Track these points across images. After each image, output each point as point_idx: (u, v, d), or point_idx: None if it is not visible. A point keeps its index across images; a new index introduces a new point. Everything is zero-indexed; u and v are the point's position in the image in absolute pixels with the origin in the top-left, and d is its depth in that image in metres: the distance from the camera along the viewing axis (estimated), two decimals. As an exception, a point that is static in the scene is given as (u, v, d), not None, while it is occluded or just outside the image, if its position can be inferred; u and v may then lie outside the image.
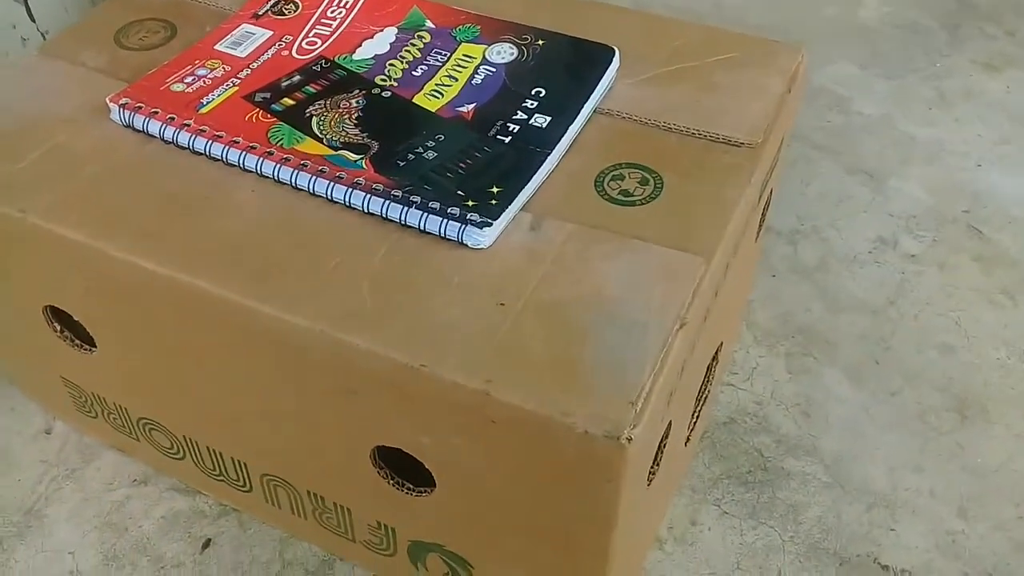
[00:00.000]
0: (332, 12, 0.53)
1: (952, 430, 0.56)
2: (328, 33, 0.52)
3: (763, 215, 0.54)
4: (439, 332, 0.37)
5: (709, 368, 0.52)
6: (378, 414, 0.40)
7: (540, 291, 0.38)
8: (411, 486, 0.42)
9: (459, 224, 0.40)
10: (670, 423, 0.42)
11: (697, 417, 0.52)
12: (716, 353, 0.52)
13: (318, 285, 0.39)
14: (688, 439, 0.51)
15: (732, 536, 0.51)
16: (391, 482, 0.42)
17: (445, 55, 0.50)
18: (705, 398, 0.53)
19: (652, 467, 0.41)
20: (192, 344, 0.43)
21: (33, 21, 0.64)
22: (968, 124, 0.78)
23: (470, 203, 0.41)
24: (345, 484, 0.45)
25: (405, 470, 0.42)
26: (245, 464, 0.48)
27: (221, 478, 0.50)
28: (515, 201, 0.42)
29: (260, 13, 0.53)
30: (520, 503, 0.39)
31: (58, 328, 0.48)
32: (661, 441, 0.41)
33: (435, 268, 0.39)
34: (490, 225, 0.40)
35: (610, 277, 0.39)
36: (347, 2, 0.53)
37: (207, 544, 0.50)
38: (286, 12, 0.53)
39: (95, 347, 0.47)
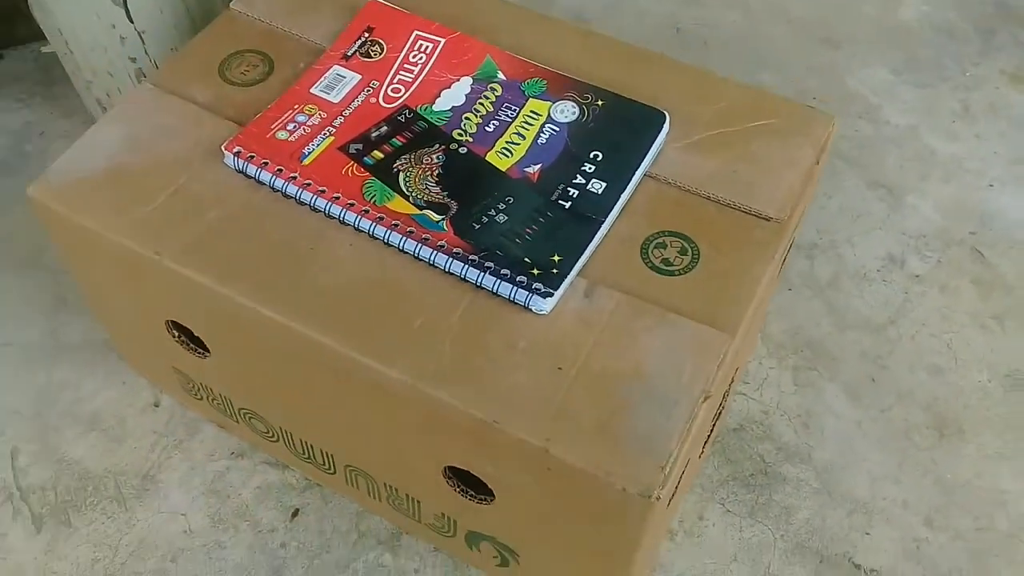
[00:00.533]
0: (413, 57, 0.59)
1: (930, 447, 0.65)
2: (410, 80, 0.58)
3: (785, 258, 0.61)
4: (508, 392, 0.46)
5: (726, 392, 0.60)
6: (453, 447, 0.49)
7: (591, 359, 0.47)
8: (473, 494, 0.52)
9: (527, 292, 0.48)
10: (689, 459, 0.51)
11: (713, 429, 0.61)
12: (733, 375, 0.61)
13: (407, 340, 0.47)
14: (703, 452, 0.60)
15: (732, 532, 0.61)
16: (457, 490, 0.52)
17: (515, 111, 0.56)
18: (720, 414, 0.62)
19: (671, 496, 0.50)
20: (295, 372, 0.52)
21: (131, 22, 0.70)
22: (987, 140, 0.84)
23: (535, 272, 0.49)
24: (418, 484, 0.55)
25: (471, 476, 0.52)
26: (332, 455, 0.58)
27: (309, 461, 0.60)
28: (573, 270, 0.50)
29: (349, 54, 0.59)
30: (564, 524, 0.49)
31: (177, 335, 0.57)
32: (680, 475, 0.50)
33: (504, 330, 0.48)
34: (551, 295, 0.48)
35: (649, 351, 0.47)
36: (427, 47, 0.60)
37: (295, 513, 0.61)
38: (372, 55, 0.60)
39: (209, 354, 0.56)
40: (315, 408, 0.55)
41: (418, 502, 0.56)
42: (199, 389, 0.62)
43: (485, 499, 0.51)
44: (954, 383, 0.68)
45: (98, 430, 0.64)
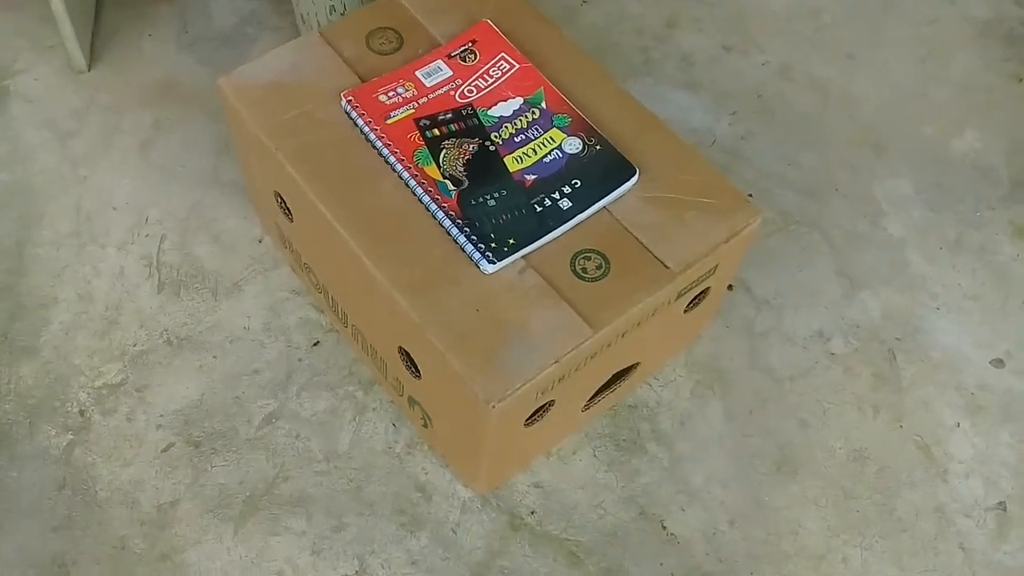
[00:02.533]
0: (492, 72, 0.84)
1: (765, 473, 0.87)
2: (484, 86, 0.83)
3: (696, 301, 0.83)
4: (440, 312, 0.72)
5: (621, 374, 0.84)
6: (403, 333, 0.76)
7: (500, 311, 0.72)
8: (413, 369, 0.79)
9: (480, 255, 0.74)
10: (551, 401, 0.76)
11: (603, 397, 0.85)
12: (632, 367, 0.85)
13: (397, 257, 0.74)
14: (588, 407, 0.84)
15: (590, 471, 0.85)
16: (404, 362, 0.79)
17: (540, 132, 0.81)
18: (615, 388, 0.86)
19: (529, 419, 0.76)
20: (332, 250, 0.80)
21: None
22: (959, 273, 1.00)
23: (493, 245, 0.74)
24: (386, 351, 0.82)
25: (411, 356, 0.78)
26: (346, 313, 0.86)
27: (335, 312, 0.89)
28: (517, 253, 0.74)
29: (453, 54, 0.85)
30: (454, 408, 0.76)
31: (278, 200, 0.86)
32: (541, 408, 0.75)
33: (457, 274, 0.74)
34: (495, 263, 0.73)
35: (538, 320, 0.72)
36: (504, 67, 0.84)
37: (316, 343, 0.90)
38: (467, 60, 0.85)
39: (292, 220, 0.85)
40: (340, 277, 0.83)
41: (386, 364, 0.84)
42: (286, 240, 0.91)
43: (417, 375, 0.78)
44: (810, 439, 0.89)
45: (219, 243, 0.95)
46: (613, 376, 0.84)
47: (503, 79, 0.84)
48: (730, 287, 0.98)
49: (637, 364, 0.86)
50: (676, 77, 1.13)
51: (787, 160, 1.07)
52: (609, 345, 0.76)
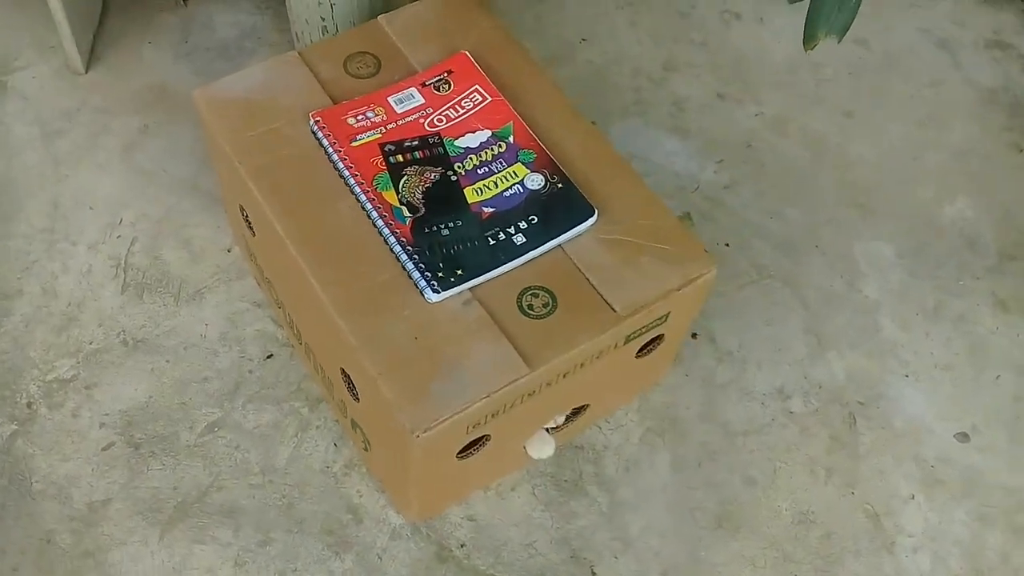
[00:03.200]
0: (464, 103, 0.85)
1: (704, 527, 0.86)
2: (454, 117, 0.84)
3: (649, 348, 0.83)
4: (378, 338, 0.72)
5: (571, 415, 0.84)
6: (343, 355, 0.76)
7: (439, 342, 0.72)
8: (354, 391, 0.79)
9: (426, 284, 0.74)
10: (486, 436, 0.76)
11: (551, 433, 0.85)
12: (581, 409, 0.84)
13: (343, 279, 0.75)
14: (525, 448, 0.84)
15: (527, 508, 0.85)
16: (346, 384, 0.79)
17: (504, 167, 0.81)
18: (561, 428, 0.85)
19: (463, 452, 0.76)
20: (285, 267, 0.81)
21: (333, 20, 1.00)
22: (932, 341, 0.99)
23: (440, 275, 0.75)
24: (331, 372, 0.83)
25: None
26: (299, 330, 0.87)
27: (290, 328, 0.90)
28: (464, 284, 0.75)
29: (427, 83, 0.86)
30: (387, 434, 0.76)
31: (243, 214, 0.87)
32: (475, 443, 0.75)
33: (402, 301, 0.74)
34: (439, 293, 0.74)
35: (476, 354, 0.72)
36: (477, 99, 0.85)
37: (269, 356, 0.91)
38: (441, 89, 0.86)
39: (255, 235, 0.86)
40: (293, 294, 0.84)
41: (332, 384, 0.85)
42: (251, 253, 0.92)
43: (356, 398, 0.79)
44: (757, 497, 0.88)
45: (188, 249, 0.96)
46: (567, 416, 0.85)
47: (474, 111, 0.85)
48: (694, 335, 0.97)
49: (586, 406, 0.86)
50: (666, 121, 1.13)
51: (769, 213, 1.07)
52: (549, 384, 0.76)
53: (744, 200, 1.08)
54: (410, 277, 0.75)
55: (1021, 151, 1.16)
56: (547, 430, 0.86)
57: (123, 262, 0.95)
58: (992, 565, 0.87)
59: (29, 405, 0.86)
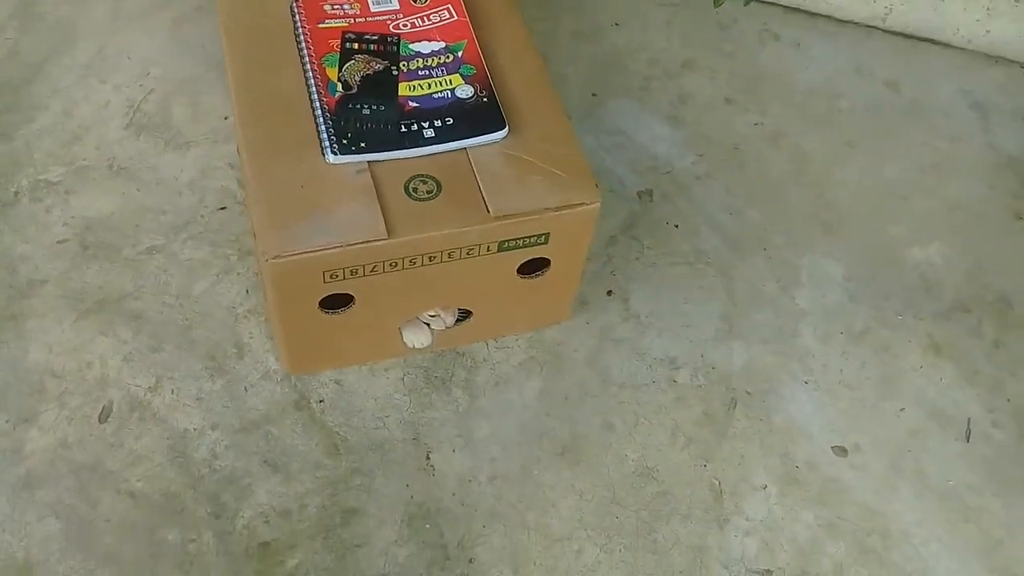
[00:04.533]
0: (432, 16, 0.94)
1: (547, 452, 0.90)
2: (418, 25, 0.94)
3: (534, 272, 0.88)
4: (272, 178, 0.82)
5: (460, 319, 0.91)
6: (247, 191, 0.86)
7: (322, 194, 0.81)
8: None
9: (331, 147, 0.83)
10: (351, 297, 0.83)
11: (434, 329, 0.92)
12: (467, 315, 0.91)
13: (268, 131, 0.85)
14: (402, 328, 0.91)
15: (390, 389, 0.92)
16: (253, 229, 0.89)
17: (443, 74, 0.90)
18: (449, 330, 0.92)
19: (330, 309, 0.84)
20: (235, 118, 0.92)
21: None
22: (845, 360, 0.99)
23: (345, 143, 0.84)
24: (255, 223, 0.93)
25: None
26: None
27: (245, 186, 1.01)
28: (363, 155, 0.83)
29: (410, -5, 0.96)
30: (262, 268, 0.85)
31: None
32: (343, 302, 0.83)
33: (306, 154, 0.83)
34: (337, 155, 0.83)
35: (350, 211, 0.80)
36: (445, 16, 0.94)
37: (222, 208, 1.02)
38: (418, 1, 0.95)
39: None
40: (240, 145, 0.95)
41: (255, 236, 0.95)
42: (235, 118, 1.04)
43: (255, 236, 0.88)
44: (608, 441, 0.91)
45: (193, 109, 1.10)
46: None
47: (438, 24, 0.94)
48: (609, 292, 1.02)
49: (470, 314, 0.92)
50: (664, 109, 1.18)
51: (730, 209, 1.10)
52: (413, 263, 0.83)
53: (710, 193, 1.11)
54: (319, 139, 0.85)
55: (1020, 219, 1.13)
56: (430, 326, 0.92)
57: (136, 106, 1.09)
58: (823, 572, 0.86)
59: (16, 193, 1.01)
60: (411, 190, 0.83)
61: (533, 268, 0.90)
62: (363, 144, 0.85)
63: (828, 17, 1.30)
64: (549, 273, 0.91)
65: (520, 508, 0.87)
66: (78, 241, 0.99)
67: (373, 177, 0.84)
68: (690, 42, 1.26)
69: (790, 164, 1.15)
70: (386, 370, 0.94)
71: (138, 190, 1.03)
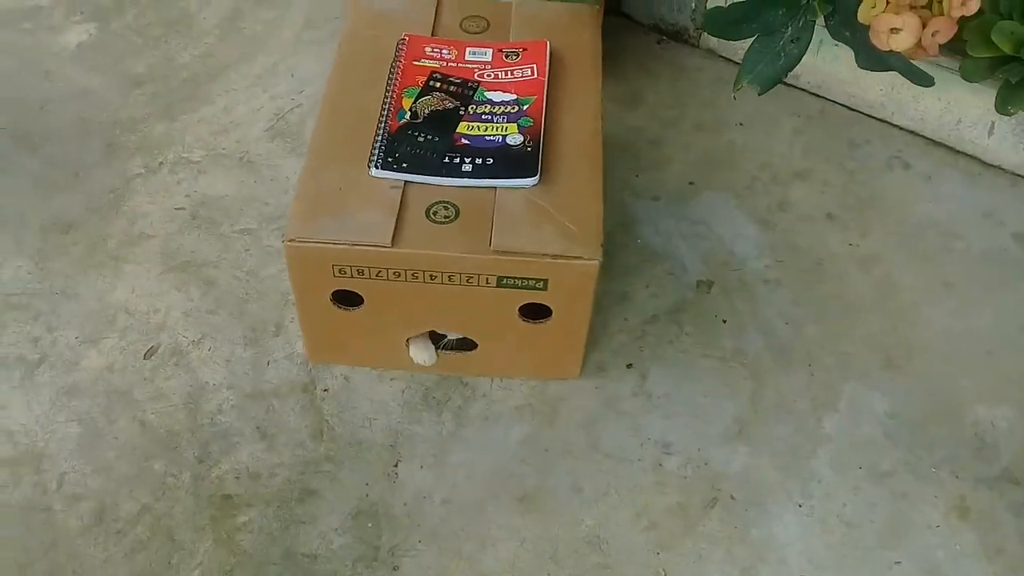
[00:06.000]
0: (516, 72, 1.01)
1: (505, 492, 0.91)
2: (500, 77, 1.01)
3: (536, 317, 0.91)
4: (320, 177, 0.91)
5: (463, 346, 0.96)
6: (311, 192, 0.97)
7: (354, 199, 0.90)
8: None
9: (375, 160, 0.92)
10: (360, 297, 0.91)
11: (444, 352, 0.97)
12: (472, 345, 0.95)
13: (334, 136, 0.95)
14: (409, 343, 0.96)
15: (388, 397, 0.98)
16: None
17: (502, 121, 0.96)
18: (454, 353, 0.96)
19: (341, 303, 0.91)
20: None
21: None
22: (853, 496, 0.92)
23: (390, 160, 0.92)
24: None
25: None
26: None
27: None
28: (401, 174, 0.91)
29: (503, 51, 1.04)
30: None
31: (345, 97, 1.12)
32: (353, 300, 0.91)
33: (355, 164, 0.93)
34: (378, 169, 0.91)
35: (369, 218, 0.88)
36: (527, 73, 1.01)
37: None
38: (509, 57, 1.03)
39: (341, 112, 1.10)
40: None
41: (319, 232, 1.05)
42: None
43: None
44: (571, 502, 0.91)
45: (329, 128, 1.23)
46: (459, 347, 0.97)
47: (517, 80, 1.01)
48: (629, 366, 1.01)
49: (475, 345, 0.96)
50: (758, 211, 1.17)
51: (789, 319, 1.06)
52: (415, 276, 0.89)
53: (774, 298, 1.08)
54: (371, 154, 0.94)
55: None
56: (437, 345, 0.97)
57: (282, 115, 1.25)
58: None
59: (160, 164, 1.19)
60: (431, 212, 0.90)
61: (538, 315, 0.93)
62: (405, 165, 0.93)
63: (973, 157, 1.23)
64: (552, 324, 0.93)
65: (461, 536, 0.89)
66: (191, 211, 1.14)
67: (404, 195, 0.91)
68: (811, 154, 1.24)
69: (873, 291, 1.10)
70: (392, 379, 1.00)
71: (255, 181, 1.17)
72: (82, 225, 1.12)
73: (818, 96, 1.31)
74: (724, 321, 1.06)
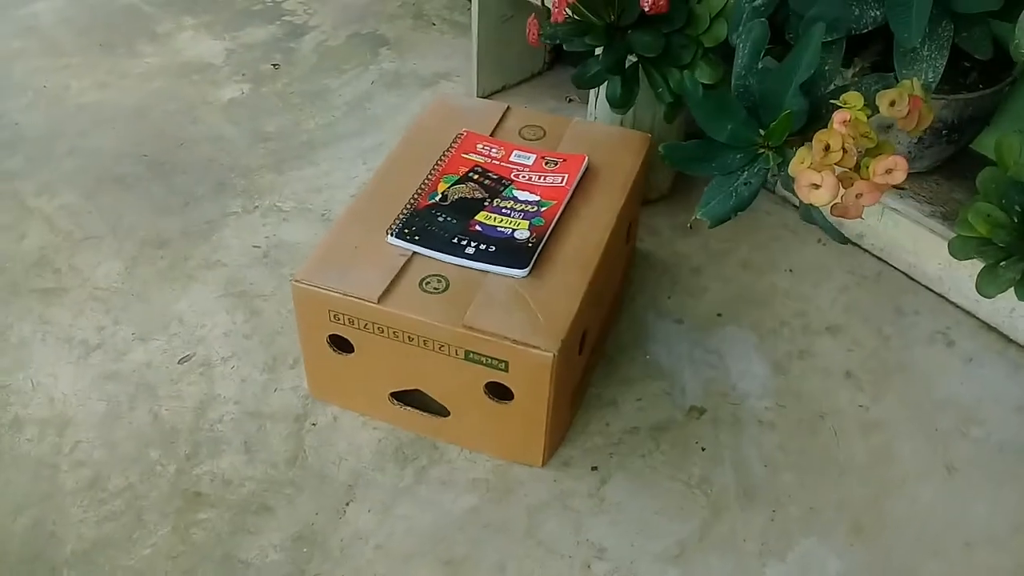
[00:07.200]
0: (548, 178, 1.10)
1: (429, 559, 0.95)
2: (533, 180, 1.10)
3: (500, 395, 0.97)
4: (345, 235, 1.03)
5: (435, 409, 1.02)
6: (341, 248, 1.09)
7: (364, 258, 1.01)
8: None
9: (394, 231, 1.03)
10: (350, 344, 1.00)
11: (416, 411, 1.04)
12: (444, 411, 1.02)
13: (372, 207, 1.07)
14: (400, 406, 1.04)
15: (361, 441, 1.05)
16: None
17: (517, 217, 1.05)
18: (426, 417, 1.04)
19: (337, 345, 1.01)
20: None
21: (594, 111, 1.31)
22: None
23: (406, 232, 1.02)
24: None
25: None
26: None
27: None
28: (411, 245, 1.02)
29: (545, 157, 1.13)
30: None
31: (411, 176, 1.24)
32: (344, 345, 1.01)
33: (378, 230, 1.04)
34: (392, 238, 1.02)
35: (369, 275, 0.98)
36: (557, 180, 1.10)
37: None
38: (548, 165, 1.12)
39: (403, 188, 1.23)
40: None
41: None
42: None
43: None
44: (489, 578, 0.94)
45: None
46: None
47: (547, 185, 1.09)
48: (594, 468, 1.04)
49: (447, 413, 1.03)
50: (776, 354, 1.17)
51: (767, 463, 1.06)
52: (395, 335, 0.98)
53: (761, 439, 1.08)
54: (393, 222, 1.04)
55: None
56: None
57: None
58: None
59: (255, 207, 1.36)
60: (424, 282, 0.99)
61: (503, 396, 0.99)
62: (417, 238, 1.03)
63: None
64: (514, 406, 0.99)
65: (376, 580, 0.95)
66: (264, 251, 1.29)
67: (408, 263, 1.01)
68: (852, 312, 1.23)
69: (867, 456, 1.07)
70: (375, 428, 1.08)
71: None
72: (173, 244, 1.30)
73: (880, 259, 1.30)
74: (703, 449, 1.07)
